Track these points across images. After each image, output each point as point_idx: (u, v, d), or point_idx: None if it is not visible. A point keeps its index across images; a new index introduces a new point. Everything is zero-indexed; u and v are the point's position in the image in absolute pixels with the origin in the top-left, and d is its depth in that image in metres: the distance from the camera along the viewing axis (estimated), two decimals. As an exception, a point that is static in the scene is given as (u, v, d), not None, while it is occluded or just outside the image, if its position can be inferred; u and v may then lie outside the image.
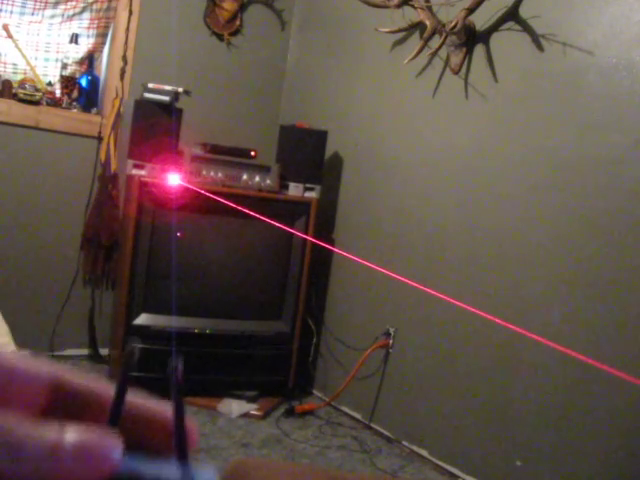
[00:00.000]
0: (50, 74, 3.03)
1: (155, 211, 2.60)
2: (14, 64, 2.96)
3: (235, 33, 3.27)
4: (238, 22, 3.27)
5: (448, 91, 2.52)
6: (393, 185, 2.74)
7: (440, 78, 2.55)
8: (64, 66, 2.99)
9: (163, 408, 0.27)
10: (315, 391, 3.03)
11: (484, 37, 2.38)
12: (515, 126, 2.28)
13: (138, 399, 0.26)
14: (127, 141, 2.69)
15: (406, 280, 2.58)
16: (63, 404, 0.25)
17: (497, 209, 2.32)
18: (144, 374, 2.63)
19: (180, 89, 2.70)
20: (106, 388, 0.26)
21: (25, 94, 2.83)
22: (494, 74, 2.35)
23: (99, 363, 3.01)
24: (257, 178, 2.80)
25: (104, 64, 3.11)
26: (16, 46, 2.93)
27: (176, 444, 0.25)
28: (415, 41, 2.60)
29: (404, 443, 2.57)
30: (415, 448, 2.52)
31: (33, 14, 2.94)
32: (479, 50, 2.40)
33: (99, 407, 0.26)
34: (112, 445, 0.22)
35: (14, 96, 2.84)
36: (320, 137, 2.89)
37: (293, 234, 2.82)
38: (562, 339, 2.06)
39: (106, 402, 0.26)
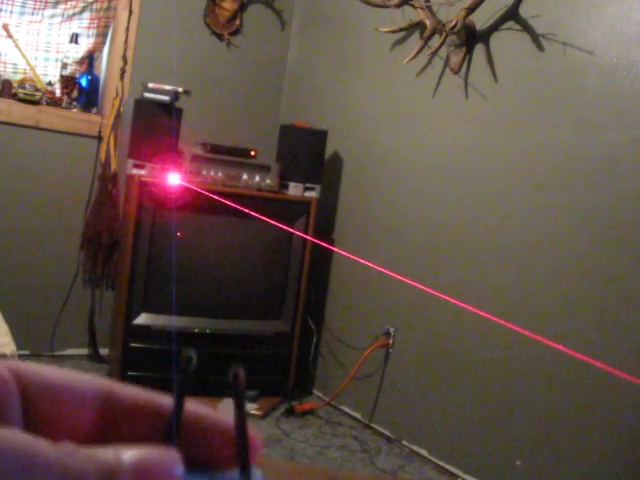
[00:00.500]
0: (50, 74, 3.03)
1: (155, 211, 2.60)
2: (14, 64, 2.96)
3: (235, 33, 3.27)
4: (238, 22, 3.27)
5: (448, 91, 2.52)
6: (393, 185, 2.74)
7: (440, 78, 2.55)
8: (64, 66, 2.99)
9: (223, 417, 0.25)
10: (315, 391, 3.03)
11: (484, 37, 2.38)
12: (515, 126, 2.28)
13: (196, 408, 0.25)
14: (127, 141, 2.69)
15: (406, 280, 2.58)
16: (114, 420, 0.24)
17: (497, 208, 2.32)
18: (143, 374, 2.64)
19: (180, 89, 2.70)
20: (159, 398, 0.25)
21: (25, 94, 2.83)
22: (494, 74, 2.35)
23: (99, 363, 3.01)
24: (257, 178, 2.80)
25: (104, 64, 3.11)
26: (16, 46, 2.93)
27: (239, 456, 0.24)
28: (415, 41, 2.60)
29: (404, 443, 2.57)
30: (415, 448, 2.52)
31: (33, 14, 2.94)
32: (479, 50, 2.40)
33: (153, 420, 0.24)
34: (172, 463, 0.21)
35: (14, 96, 2.84)
36: (320, 137, 2.89)
37: (293, 234, 2.82)
38: (562, 339, 2.06)
39: (160, 413, 0.24)
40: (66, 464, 0.19)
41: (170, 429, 0.23)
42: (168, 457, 0.21)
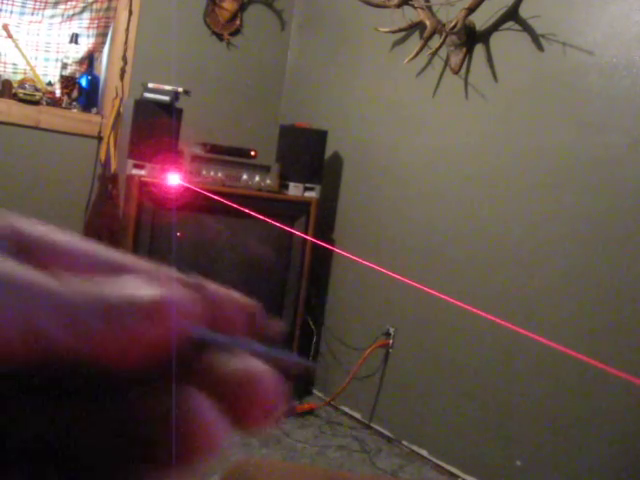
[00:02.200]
0: (50, 74, 3.03)
1: (155, 211, 2.60)
2: (14, 64, 2.96)
3: (235, 33, 3.27)
4: (238, 22, 3.27)
5: (448, 91, 2.52)
6: (393, 185, 2.74)
7: (440, 78, 2.55)
8: (64, 66, 2.99)
9: (233, 292, 0.24)
10: (315, 391, 3.03)
11: (484, 37, 2.38)
12: (515, 126, 2.28)
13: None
14: (127, 141, 2.69)
15: (406, 280, 2.58)
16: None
17: (497, 208, 2.32)
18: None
19: (180, 89, 2.70)
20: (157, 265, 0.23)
21: (25, 94, 2.83)
22: (494, 74, 2.35)
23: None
24: (257, 178, 2.80)
25: (104, 64, 3.11)
26: (16, 46, 2.93)
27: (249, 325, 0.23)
28: (415, 41, 2.60)
29: (404, 443, 2.57)
30: (415, 448, 2.52)
31: (33, 14, 2.94)
32: (479, 50, 2.40)
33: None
34: (190, 302, 0.19)
35: (14, 96, 2.84)
36: (320, 137, 2.89)
37: (293, 234, 2.82)
38: (562, 339, 2.06)
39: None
40: (61, 294, 0.17)
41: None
42: (187, 296, 0.19)
